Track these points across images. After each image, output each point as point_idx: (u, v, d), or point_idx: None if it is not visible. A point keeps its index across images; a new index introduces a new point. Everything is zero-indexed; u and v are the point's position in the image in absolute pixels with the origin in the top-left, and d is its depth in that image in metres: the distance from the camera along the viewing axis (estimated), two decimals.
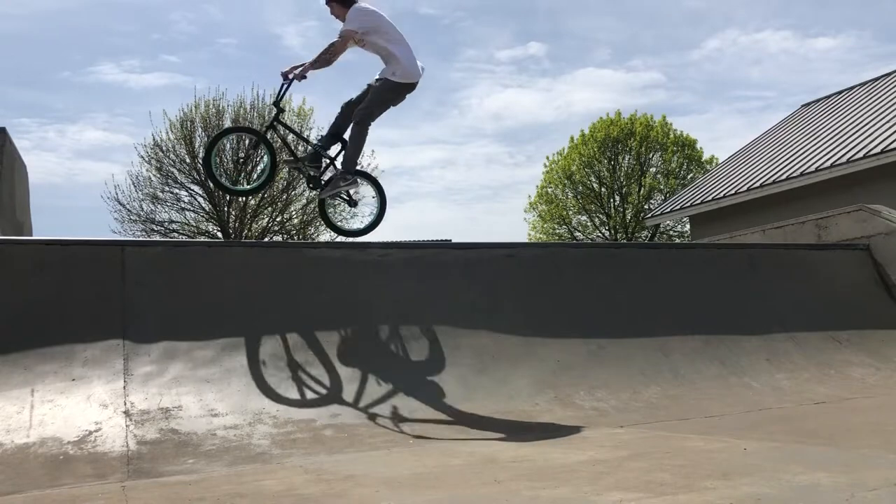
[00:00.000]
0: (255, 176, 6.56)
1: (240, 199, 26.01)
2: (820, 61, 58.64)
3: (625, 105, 65.76)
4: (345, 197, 6.35)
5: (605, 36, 59.85)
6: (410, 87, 5.93)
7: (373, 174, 6.86)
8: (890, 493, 2.83)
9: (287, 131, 6.73)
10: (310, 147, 6.40)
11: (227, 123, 25.58)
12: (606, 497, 2.95)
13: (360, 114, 5.88)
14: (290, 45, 51.39)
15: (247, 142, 6.10)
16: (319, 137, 6.68)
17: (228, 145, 6.15)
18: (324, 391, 5.12)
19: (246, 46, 50.34)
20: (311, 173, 6.21)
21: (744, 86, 60.23)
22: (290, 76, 5.86)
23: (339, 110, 6.15)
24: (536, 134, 60.21)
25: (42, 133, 43.90)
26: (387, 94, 5.88)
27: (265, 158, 6.28)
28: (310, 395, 5.06)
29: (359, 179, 6.32)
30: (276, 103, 6.34)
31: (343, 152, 6.12)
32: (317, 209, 7.06)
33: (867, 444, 3.91)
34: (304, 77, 5.85)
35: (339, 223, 6.93)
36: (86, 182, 47.44)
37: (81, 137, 45.68)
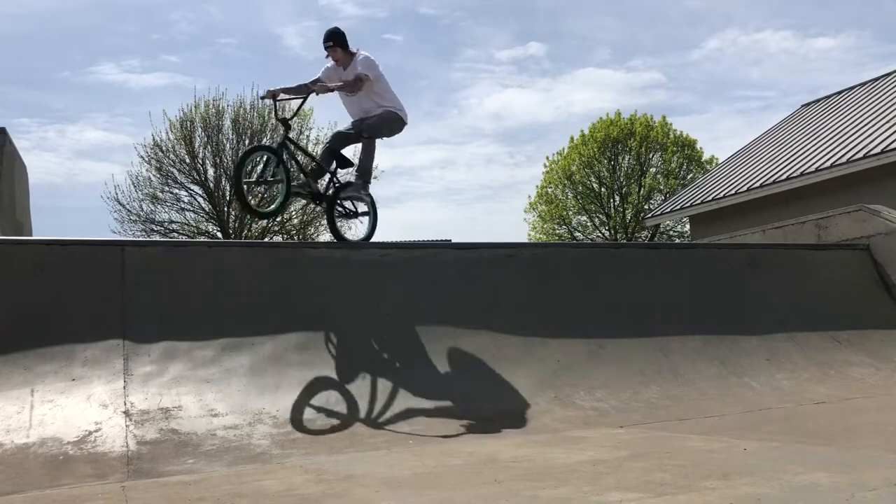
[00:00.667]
0: (273, 197, 6.41)
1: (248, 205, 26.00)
2: (820, 61, 58.59)
3: (625, 105, 65.65)
4: (350, 208, 6.75)
5: (604, 36, 59.76)
6: (404, 126, 6.67)
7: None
8: (890, 493, 2.83)
9: (296, 149, 6.70)
10: (313, 163, 6.68)
11: (227, 123, 25.58)
12: (606, 497, 2.95)
13: (369, 129, 6.46)
14: (290, 45, 51.37)
15: (261, 162, 5.88)
16: (318, 155, 6.82)
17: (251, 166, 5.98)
18: (324, 391, 5.12)
19: (246, 46, 50.30)
20: (315, 189, 6.50)
21: (744, 86, 60.17)
22: (290, 94, 6.38)
23: (331, 136, 6.81)
24: (536, 134, 60.14)
25: (42, 133, 43.86)
26: (392, 123, 6.54)
27: (280, 177, 6.12)
28: (310, 395, 5.06)
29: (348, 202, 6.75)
30: (285, 121, 6.33)
31: (356, 166, 6.58)
32: (325, 215, 7.03)
33: (867, 444, 3.91)
34: (330, 90, 6.33)
35: (344, 232, 6.91)
36: (86, 182, 47.37)
37: (81, 137, 45.63)
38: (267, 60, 50.17)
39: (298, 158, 6.65)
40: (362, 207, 6.84)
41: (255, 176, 6.21)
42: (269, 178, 6.12)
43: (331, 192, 6.60)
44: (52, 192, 43.98)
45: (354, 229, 7.03)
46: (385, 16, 55.24)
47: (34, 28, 49.33)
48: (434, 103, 58.89)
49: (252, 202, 6.61)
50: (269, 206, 6.63)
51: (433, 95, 58.86)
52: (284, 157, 6.14)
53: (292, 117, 6.50)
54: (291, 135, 6.36)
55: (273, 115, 6.42)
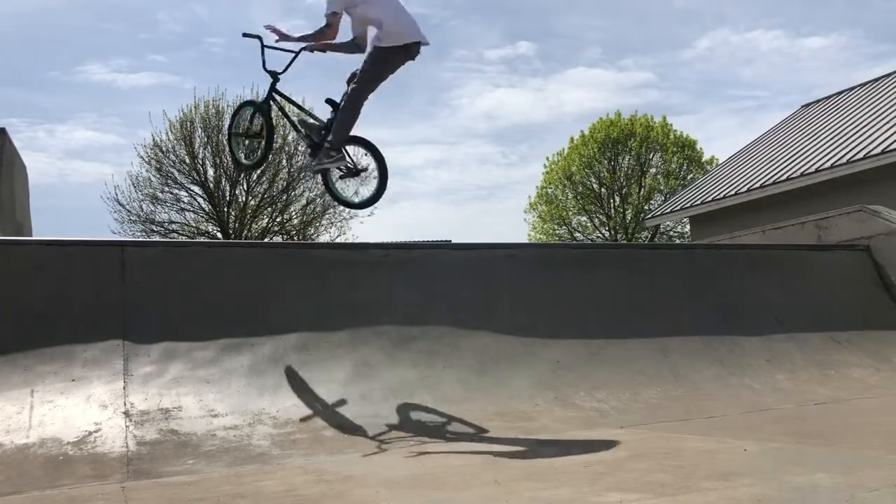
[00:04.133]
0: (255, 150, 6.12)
1: (239, 200, 26.04)
2: (812, 60, 58.32)
3: (617, 105, 65.54)
4: (341, 169, 5.64)
5: (595, 35, 59.38)
6: (405, 50, 5.14)
7: (370, 140, 5.68)
8: (890, 493, 2.83)
9: (286, 101, 6.25)
10: (309, 118, 5.82)
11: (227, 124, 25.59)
12: (606, 497, 2.95)
13: (351, 92, 5.29)
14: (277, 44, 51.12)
15: (248, 116, 5.71)
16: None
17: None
18: (324, 391, 5.12)
19: (233, 45, 50.03)
20: (315, 140, 5.58)
21: (736, 85, 59.80)
22: (283, 41, 5.43)
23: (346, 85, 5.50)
24: (529, 134, 59.84)
25: (31, 133, 43.55)
26: (376, 67, 5.20)
27: (261, 131, 5.76)
28: (310, 395, 5.06)
29: (351, 149, 5.59)
30: (274, 73, 5.65)
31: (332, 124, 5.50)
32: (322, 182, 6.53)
33: (867, 444, 3.91)
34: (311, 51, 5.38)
35: (343, 194, 5.96)
36: (77, 182, 47.16)
37: (71, 137, 45.46)
38: (255, 59, 49.83)
39: (288, 113, 6.10)
40: (364, 162, 5.64)
41: (243, 129, 5.99)
42: (254, 132, 5.88)
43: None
44: (45, 192, 43.90)
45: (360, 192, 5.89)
46: None
47: (21, 27, 49.17)
48: (425, 103, 58.60)
49: (241, 155, 6.27)
50: (253, 157, 6.24)
51: (424, 95, 58.52)
52: (272, 111, 5.81)
53: (283, 71, 5.67)
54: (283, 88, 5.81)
55: (261, 61, 5.60)
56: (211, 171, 25.78)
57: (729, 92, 60.07)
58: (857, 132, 16.17)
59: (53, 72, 47.31)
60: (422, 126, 57.58)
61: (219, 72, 49.74)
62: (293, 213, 27.02)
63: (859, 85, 19.77)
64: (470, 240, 22.06)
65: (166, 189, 25.72)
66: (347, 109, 5.31)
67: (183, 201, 26.05)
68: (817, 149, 16.77)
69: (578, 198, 35.59)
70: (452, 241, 15.92)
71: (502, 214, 58.57)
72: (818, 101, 20.98)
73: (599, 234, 35.45)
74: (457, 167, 57.44)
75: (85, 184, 42.29)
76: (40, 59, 48.24)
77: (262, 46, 5.59)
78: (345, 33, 5.44)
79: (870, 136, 15.45)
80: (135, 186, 25.59)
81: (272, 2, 52.27)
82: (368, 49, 5.27)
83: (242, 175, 25.76)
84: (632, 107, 64.17)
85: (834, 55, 57.05)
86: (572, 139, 35.90)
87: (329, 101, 5.63)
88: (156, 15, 46.67)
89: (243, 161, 6.49)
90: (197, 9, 49.24)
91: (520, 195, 68.94)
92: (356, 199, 5.75)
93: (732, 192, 17.66)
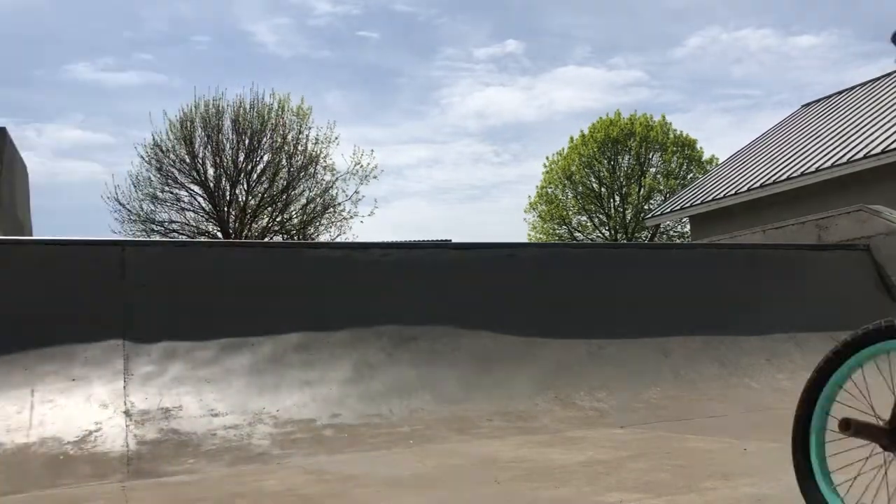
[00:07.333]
0: None
1: (239, 200, 26.04)
2: (802, 59, 58.10)
3: (607, 103, 65.19)
4: None
5: (584, 33, 59.10)
6: None
7: None
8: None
9: None
10: None
11: (227, 123, 25.59)
12: (606, 497, 2.95)
13: None
14: (262, 42, 50.44)
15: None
16: None
17: None
18: (324, 391, 5.12)
19: (219, 43, 49.48)
20: None
21: (727, 84, 59.59)
22: None
23: None
24: (520, 132, 59.56)
25: (20, 132, 43.26)
26: None
27: None
28: (310, 395, 5.06)
29: None
30: None
31: None
32: None
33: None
34: None
35: None
36: (68, 181, 46.90)
37: (60, 136, 45.23)
38: (241, 57, 49.21)
39: None
40: None
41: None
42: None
43: None
44: (35, 192, 43.60)
45: None
46: (359, 13, 54.09)
47: (5, 26, 48.91)
48: (415, 102, 58.33)
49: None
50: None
51: (413, 94, 58.18)
52: None
53: None
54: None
55: None
56: (211, 171, 25.80)
57: (720, 90, 59.97)
58: (857, 132, 16.17)
59: (39, 70, 47.11)
60: (412, 125, 57.49)
61: (205, 70, 49.31)
62: (293, 213, 27.04)
63: (859, 85, 19.78)
64: (465, 239, 22.05)
65: (166, 189, 25.76)
66: None
67: (183, 201, 26.08)
68: (817, 149, 16.77)
69: (578, 197, 35.63)
70: (452, 241, 15.92)
71: (497, 213, 58.58)
72: (818, 100, 20.99)
73: (599, 234, 35.49)
74: (450, 166, 57.38)
75: (75, 182, 42.04)
76: (25, 57, 47.99)
77: None
78: None
79: (870, 136, 15.45)
80: (135, 186, 25.64)
81: None
82: None
83: (242, 175, 25.61)
84: (622, 105, 63.91)
85: (825, 53, 56.97)
86: (572, 139, 35.96)
87: None
88: (140, 13, 46.33)
89: None
90: (181, 7, 48.92)
91: (514, 194, 68.85)
92: None
93: (732, 192, 17.66)
